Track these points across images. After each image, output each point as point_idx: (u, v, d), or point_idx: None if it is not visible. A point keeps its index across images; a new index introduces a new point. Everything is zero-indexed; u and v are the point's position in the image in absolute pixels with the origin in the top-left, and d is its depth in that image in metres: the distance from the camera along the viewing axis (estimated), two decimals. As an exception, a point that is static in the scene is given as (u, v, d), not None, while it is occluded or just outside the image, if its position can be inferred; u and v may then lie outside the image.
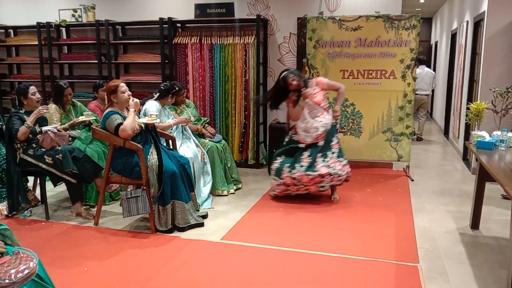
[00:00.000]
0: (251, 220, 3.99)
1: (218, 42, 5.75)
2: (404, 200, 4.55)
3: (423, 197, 4.69)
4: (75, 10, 6.56)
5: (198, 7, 6.00)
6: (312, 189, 4.33)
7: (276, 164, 4.40)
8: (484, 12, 5.35)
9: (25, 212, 4.07)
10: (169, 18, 5.86)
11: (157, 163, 3.59)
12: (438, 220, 3.99)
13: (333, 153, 4.33)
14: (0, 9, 7.18)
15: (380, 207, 4.29)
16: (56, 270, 2.93)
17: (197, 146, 4.50)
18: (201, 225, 3.79)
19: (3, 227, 2.11)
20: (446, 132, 8.63)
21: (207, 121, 5.08)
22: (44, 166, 3.86)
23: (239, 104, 5.81)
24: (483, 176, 3.64)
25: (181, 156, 3.98)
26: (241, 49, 5.68)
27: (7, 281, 1.81)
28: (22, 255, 2.00)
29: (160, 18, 5.89)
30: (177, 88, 4.47)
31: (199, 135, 4.77)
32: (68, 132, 4.26)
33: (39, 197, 4.35)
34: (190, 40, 5.85)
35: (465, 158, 6.36)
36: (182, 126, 4.47)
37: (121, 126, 3.53)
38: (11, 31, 7.14)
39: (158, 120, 3.84)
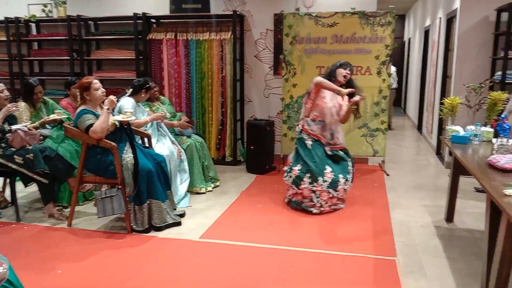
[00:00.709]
0: (230, 218, 3.95)
1: (194, 38, 5.67)
2: (380, 195, 4.60)
3: (398, 191, 4.75)
4: (45, 5, 6.36)
5: (173, 2, 5.90)
6: (326, 208, 4.01)
7: (295, 172, 4.05)
8: (456, 9, 5.45)
9: (-6, 214, 3.92)
10: (144, 14, 5.74)
11: (133, 162, 3.51)
12: (414, 214, 4.05)
13: (349, 174, 4.14)
14: (-35, 3, 6.89)
15: (357, 202, 4.32)
16: (28, 274, 2.83)
17: (173, 143, 4.43)
18: (178, 224, 3.73)
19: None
20: (419, 128, 8.79)
21: (183, 114, 4.98)
22: (14, 166, 3.72)
23: (216, 101, 5.75)
24: (458, 170, 3.71)
25: (157, 154, 3.91)
26: (217, 45, 5.62)
27: (-26, 288, 1.73)
28: (-10, 260, 1.91)
29: (134, 14, 5.77)
30: (150, 83, 4.38)
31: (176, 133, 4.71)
32: (39, 130, 4.12)
33: (9, 198, 4.19)
34: (165, 35, 5.75)
35: (439, 152, 6.49)
36: (157, 123, 4.39)
37: (92, 128, 3.43)
38: (-23, 26, 6.87)
39: (133, 118, 3.76)
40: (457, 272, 2.94)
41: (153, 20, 5.98)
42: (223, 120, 5.81)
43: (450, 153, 5.45)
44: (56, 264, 3.05)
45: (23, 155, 3.71)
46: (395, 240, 3.43)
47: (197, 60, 5.71)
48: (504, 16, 4.93)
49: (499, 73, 4.99)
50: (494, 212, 2.43)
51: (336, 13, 5.31)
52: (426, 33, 8.32)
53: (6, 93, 3.89)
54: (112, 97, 3.57)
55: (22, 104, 4.25)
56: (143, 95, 4.28)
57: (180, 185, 4.37)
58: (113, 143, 3.48)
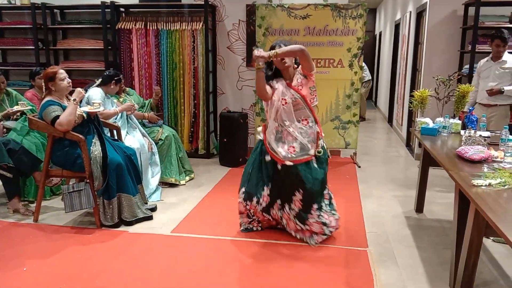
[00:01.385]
0: (203, 211, 3.91)
1: (164, 28, 5.55)
2: (352, 186, 4.65)
3: (370, 183, 4.82)
4: (7, -8, 6.08)
5: (143, -9, 5.75)
6: (291, 230, 3.31)
7: (265, 197, 3.28)
8: (426, 2, 5.53)
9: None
10: (112, 2, 5.57)
11: (101, 155, 3.41)
12: (385, 205, 4.11)
13: (329, 203, 3.26)
14: None
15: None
16: (-9, 272, 2.71)
17: (143, 136, 4.33)
18: (149, 218, 3.65)
19: None
20: (390, 120, 8.94)
21: (150, 101, 4.86)
22: (-26, 160, 3.56)
23: (188, 93, 5.66)
24: (427, 162, 3.78)
25: (127, 147, 3.81)
26: (189, 36, 5.52)
27: None
28: None
29: (102, 2, 5.59)
30: (121, 76, 4.27)
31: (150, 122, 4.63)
32: (2, 123, 3.95)
33: (-30, 193, 4.02)
34: (135, 25, 5.60)
35: (408, 144, 6.61)
36: (127, 115, 4.27)
37: (57, 120, 3.31)
38: None
39: (101, 109, 3.64)
40: (427, 261, 3.00)
41: (122, 9, 5.82)
42: (196, 112, 5.72)
43: (420, 145, 5.57)
44: (22, 261, 2.94)
45: (-15, 148, 3.55)
46: (366, 231, 3.47)
47: (168, 51, 5.59)
48: (471, 10, 5.04)
49: (467, 66, 5.11)
50: (463, 202, 2.48)
51: (309, 5, 5.30)
52: (397, 27, 8.44)
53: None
54: (79, 89, 3.45)
55: (-17, 95, 4.07)
56: (112, 87, 4.16)
57: (152, 178, 4.29)
58: (81, 136, 3.37)
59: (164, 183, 4.50)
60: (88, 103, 3.85)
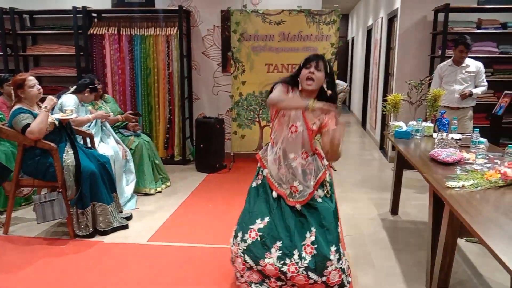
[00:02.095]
0: (180, 219, 3.86)
1: (138, 33, 5.48)
2: (329, 190, 4.68)
3: (346, 186, 4.87)
4: (-28, -4, 5.88)
5: (116, -4, 5.67)
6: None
7: (253, 232, 2.45)
8: (397, 8, 5.66)
9: None
10: (84, 7, 5.47)
11: (74, 163, 3.33)
12: (361, 208, 4.16)
13: (340, 243, 2.45)
14: None
15: (307, 198, 4.37)
16: (-42, 288, 2.60)
17: (117, 143, 4.25)
18: (125, 227, 3.58)
19: None
20: (363, 124, 9.08)
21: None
22: None
23: (163, 98, 5.60)
24: (401, 164, 3.85)
25: (101, 155, 3.73)
26: (163, 41, 5.47)
27: None
28: None
29: (73, 7, 5.47)
30: (97, 84, 4.16)
31: (125, 126, 4.53)
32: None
33: None
34: (108, 31, 5.51)
35: (382, 147, 6.73)
36: (101, 122, 4.18)
37: (28, 128, 3.20)
38: None
39: (74, 116, 3.55)
40: (403, 262, 3.05)
41: (94, 14, 5.72)
42: (171, 118, 5.67)
43: (393, 148, 5.67)
44: (-9, 275, 2.83)
45: (-50, 158, 3.41)
46: (344, 234, 3.50)
47: (142, 56, 5.52)
48: (441, 16, 5.19)
49: (437, 70, 5.25)
50: (437, 204, 2.53)
51: (283, 10, 5.34)
52: (369, 32, 8.60)
53: None
54: (51, 96, 3.36)
55: None
56: (86, 95, 4.05)
57: (126, 186, 4.21)
58: (53, 144, 3.28)
59: (138, 193, 4.42)
60: (61, 110, 3.76)
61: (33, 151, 3.33)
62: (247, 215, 2.52)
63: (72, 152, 3.37)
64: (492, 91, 5.15)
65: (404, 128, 3.69)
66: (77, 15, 5.50)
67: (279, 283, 2.44)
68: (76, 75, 5.56)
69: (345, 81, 11.76)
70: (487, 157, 2.83)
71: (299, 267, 2.34)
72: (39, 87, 3.40)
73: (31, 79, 3.36)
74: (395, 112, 3.84)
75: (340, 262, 2.39)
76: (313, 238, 2.37)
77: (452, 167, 2.64)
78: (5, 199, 3.81)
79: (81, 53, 5.64)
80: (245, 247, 2.44)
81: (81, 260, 3.04)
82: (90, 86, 4.05)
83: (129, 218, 3.77)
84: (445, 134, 3.20)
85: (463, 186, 2.21)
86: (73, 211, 3.37)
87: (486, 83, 4.57)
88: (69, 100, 3.91)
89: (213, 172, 5.33)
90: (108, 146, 4.07)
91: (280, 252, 2.38)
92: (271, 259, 2.37)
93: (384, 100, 4.08)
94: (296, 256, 2.35)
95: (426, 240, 3.34)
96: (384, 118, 6.62)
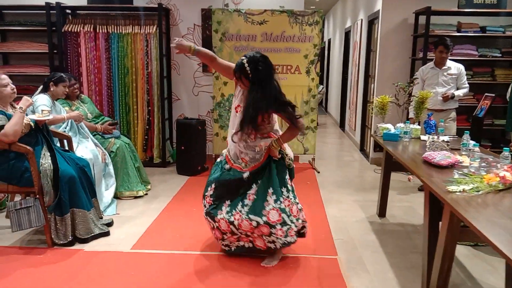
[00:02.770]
0: (163, 225, 3.71)
1: (115, 31, 5.28)
2: (314, 192, 4.63)
3: (329, 188, 4.83)
4: None
5: (91, -8, 5.44)
6: (258, 242, 2.91)
7: (208, 198, 3.00)
8: (378, 11, 5.67)
9: None
10: (57, 3, 5.22)
11: (52, 167, 3.14)
12: (347, 210, 4.12)
13: (288, 190, 2.86)
14: None
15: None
16: None
17: (96, 146, 4.05)
18: (106, 234, 3.41)
19: None
20: (342, 125, 9.11)
21: (109, 120, 4.54)
22: None
23: (142, 99, 5.42)
24: (389, 167, 3.83)
25: (79, 158, 3.54)
26: (141, 40, 5.29)
27: None
28: None
29: (46, 3, 5.22)
30: (57, 76, 3.92)
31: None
32: None
33: None
34: (83, 28, 5.28)
35: (362, 149, 6.75)
36: (77, 124, 3.97)
37: (2, 131, 2.99)
38: None
39: (50, 116, 3.36)
40: (395, 266, 3.01)
41: (68, 11, 5.47)
42: (150, 119, 5.49)
43: (375, 150, 5.68)
44: (-39, 289, 2.61)
45: None
46: (333, 237, 3.44)
47: (119, 55, 5.32)
48: (422, 19, 5.22)
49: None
50: (434, 208, 2.50)
51: (266, 10, 5.26)
52: (347, 34, 8.63)
53: None
54: (26, 96, 3.15)
55: None
56: (52, 89, 3.83)
57: (106, 191, 4.02)
58: (28, 147, 3.07)
59: (127, 198, 4.26)
60: (33, 111, 3.54)
61: (7, 154, 3.10)
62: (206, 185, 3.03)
63: (50, 155, 3.17)
64: (472, 93, 5.22)
65: (392, 130, 3.67)
66: (51, 11, 5.25)
67: (235, 236, 2.93)
68: (49, 74, 5.30)
69: (321, 83, 11.80)
70: (486, 161, 2.77)
71: (242, 214, 2.80)
72: (13, 86, 3.19)
73: (4, 78, 3.15)
74: (382, 114, 3.81)
75: (278, 202, 2.76)
76: (256, 188, 2.83)
77: (447, 170, 2.61)
78: (-26, 205, 3.57)
79: (55, 51, 5.39)
80: (205, 212, 2.98)
81: (60, 270, 2.86)
82: (52, 79, 3.84)
83: (110, 224, 3.59)
84: (435, 136, 3.19)
85: (464, 190, 2.17)
86: (51, 218, 3.17)
87: (467, 85, 4.62)
88: (43, 100, 3.71)
89: (195, 174, 5.18)
90: (87, 149, 3.87)
91: (229, 207, 2.87)
92: (221, 215, 2.87)
93: (368, 102, 4.06)
94: (239, 206, 2.83)
95: (415, 243, 3.34)
96: (364, 120, 6.63)
